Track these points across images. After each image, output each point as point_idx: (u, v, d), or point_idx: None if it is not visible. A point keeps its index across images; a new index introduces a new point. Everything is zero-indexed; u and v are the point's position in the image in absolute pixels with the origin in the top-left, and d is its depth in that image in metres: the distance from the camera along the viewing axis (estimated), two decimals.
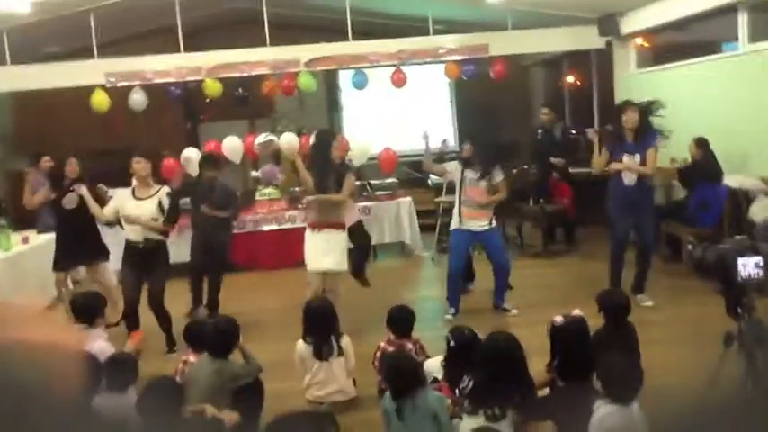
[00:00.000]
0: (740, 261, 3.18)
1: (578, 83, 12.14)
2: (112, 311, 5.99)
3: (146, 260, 5.48)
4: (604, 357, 3.28)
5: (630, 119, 5.84)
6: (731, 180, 7.10)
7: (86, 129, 9.92)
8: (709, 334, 5.03)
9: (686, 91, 8.35)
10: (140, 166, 5.46)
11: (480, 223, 5.91)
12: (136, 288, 5.55)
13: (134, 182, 5.63)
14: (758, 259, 3.17)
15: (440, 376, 3.86)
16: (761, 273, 3.17)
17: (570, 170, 8.76)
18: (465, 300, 6.24)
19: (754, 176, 6.98)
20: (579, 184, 8.70)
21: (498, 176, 5.93)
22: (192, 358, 4.08)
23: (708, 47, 8.54)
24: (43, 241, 7.69)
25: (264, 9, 9.13)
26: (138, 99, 8.92)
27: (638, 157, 5.88)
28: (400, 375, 3.38)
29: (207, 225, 6.43)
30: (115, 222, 5.63)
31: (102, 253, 6.29)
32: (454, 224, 6.03)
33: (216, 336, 3.95)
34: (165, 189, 5.61)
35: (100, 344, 3.95)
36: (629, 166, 5.88)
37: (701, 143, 7.19)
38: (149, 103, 9.04)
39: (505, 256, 6.11)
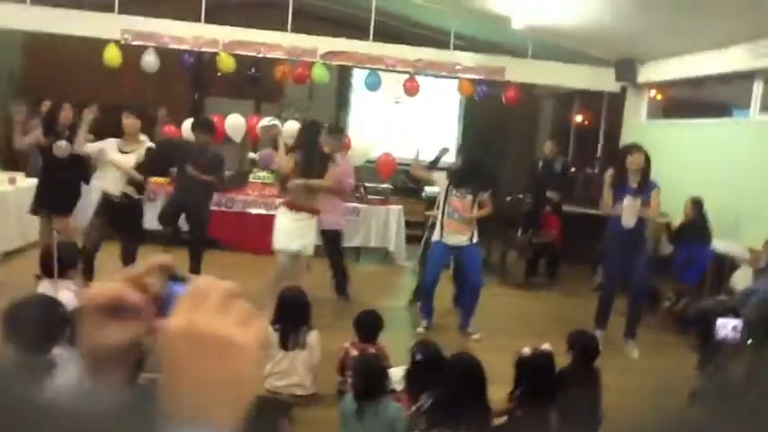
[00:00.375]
0: (719, 321, 3.19)
1: (586, 122, 12.20)
2: None
3: (119, 215, 5.52)
4: (566, 395, 3.28)
5: (636, 161, 5.85)
6: (720, 244, 7.13)
7: (93, 82, 9.83)
8: (673, 387, 5.10)
9: (691, 148, 8.40)
10: (129, 122, 5.56)
11: (462, 237, 5.90)
12: (99, 241, 5.59)
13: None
14: (737, 322, 3.18)
15: (399, 387, 3.85)
16: (737, 336, 3.18)
17: (563, 206, 8.78)
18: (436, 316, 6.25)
19: (742, 245, 7.01)
20: (570, 219, 8.73)
21: (485, 193, 5.94)
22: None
23: (719, 109, 8.61)
24: (30, 184, 7.62)
25: None
26: (150, 60, 8.87)
27: (639, 201, 5.90)
28: (368, 377, 3.36)
29: (189, 188, 6.40)
30: (91, 166, 5.65)
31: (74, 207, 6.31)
32: (435, 236, 6.02)
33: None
34: (148, 144, 5.67)
35: (67, 295, 3.90)
36: (634, 207, 5.88)
37: (697, 203, 7.23)
38: (160, 66, 9.00)
39: (480, 276, 6.06)
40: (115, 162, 5.51)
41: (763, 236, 6.54)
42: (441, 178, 6.00)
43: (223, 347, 0.59)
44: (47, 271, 3.96)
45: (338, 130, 6.94)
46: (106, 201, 5.56)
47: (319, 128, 6.04)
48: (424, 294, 6.09)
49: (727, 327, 3.17)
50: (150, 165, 5.68)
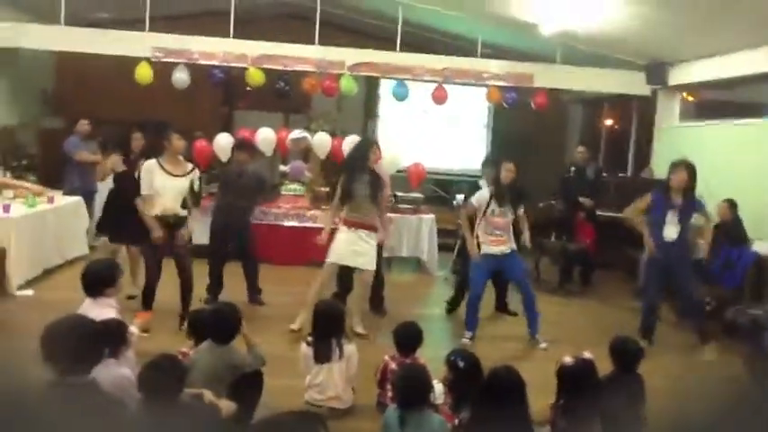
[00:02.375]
0: None
1: (616, 126, 12.08)
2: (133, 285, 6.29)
3: (172, 233, 5.59)
4: (609, 403, 3.23)
5: (678, 179, 5.80)
6: (759, 246, 7.00)
7: (125, 100, 10.01)
8: (716, 394, 4.98)
9: (725, 150, 8.26)
10: (182, 143, 5.59)
11: (501, 248, 5.89)
12: (160, 264, 5.66)
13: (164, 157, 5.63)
14: None
15: (440, 401, 3.82)
16: None
17: (597, 212, 8.69)
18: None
19: None
20: (603, 226, 8.63)
21: (521, 208, 5.98)
22: (190, 352, 4.01)
23: (752, 109, 8.46)
24: (68, 203, 7.78)
25: (318, 7, 9.19)
26: (181, 77, 8.99)
27: (681, 217, 5.85)
28: (412, 388, 3.34)
29: (232, 208, 6.55)
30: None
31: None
32: (474, 256, 6.01)
33: (218, 322, 3.93)
34: (197, 171, 5.74)
35: (107, 312, 3.94)
36: (674, 223, 5.88)
37: (732, 205, 7.11)
38: (191, 82, 9.12)
39: (528, 285, 6.07)
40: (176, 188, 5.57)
41: None
42: (482, 197, 5.96)
43: None
44: (89, 289, 4.01)
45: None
46: (159, 223, 5.58)
47: (369, 146, 6.11)
48: (469, 306, 6.05)
49: None
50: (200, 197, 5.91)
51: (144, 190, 5.55)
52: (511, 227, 5.97)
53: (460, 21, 9.55)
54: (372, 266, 5.91)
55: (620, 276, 8.85)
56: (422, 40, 10.58)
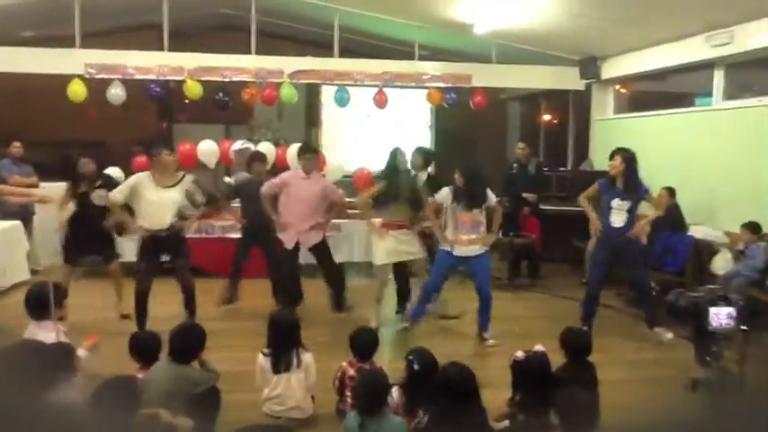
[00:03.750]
0: (712, 310, 3.24)
1: (554, 121, 12.36)
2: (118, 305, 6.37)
3: (169, 247, 5.60)
4: (564, 394, 3.30)
5: (613, 164, 6.01)
6: (696, 231, 7.26)
7: (59, 117, 9.74)
8: (668, 378, 5.17)
9: (659, 139, 8.54)
10: (172, 158, 5.71)
11: (473, 248, 5.95)
12: (151, 280, 5.66)
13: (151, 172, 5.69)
14: (730, 310, 3.23)
15: (393, 403, 3.84)
16: (732, 323, 3.23)
17: (541, 206, 8.87)
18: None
19: (718, 229, 7.15)
20: (548, 219, 8.82)
21: (492, 199, 6.03)
22: (140, 375, 3.93)
23: (683, 99, 8.78)
24: (4, 227, 7.55)
25: (253, 17, 9.13)
26: (116, 93, 8.81)
27: (626, 204, 5.99)
28: (372, 392, 3.36)
29: (258, 222, 6.65)
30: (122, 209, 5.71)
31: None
32: (443, 245, 6.06)
33: (183, 341, 3.87)
34: (190, 177, 5.77)
35: (52, 336, 3.83)
36: (621, 210, 6.02)
37: (671, 192, 7.37)
38: (127, 98, 8.93)
39: (489, 288, 6.09)
40: (164, 200, 5.58)
41: (738, 219, 6.68)
42: (445, 195, 6.02)
43: None
44: (33, 313, 3.90)
45: (311, 149, 6.92)
46: (150, 238, 5.57)
47: (395, 153, 6.47)
48: (422, 294, 6.13)
49: (720, 314, 3.22)
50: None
51: (116, 193, 5.64)
52: (482, 224, 5.99)
53: (397, 25, 9.63)
54: (422, 254, 6.40)
55: (566, 268, 9.04)
56: (360, 45, 10.63)
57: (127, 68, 8.89)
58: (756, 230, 6.48)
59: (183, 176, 5.71)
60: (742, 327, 3.29)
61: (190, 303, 5.81)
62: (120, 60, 8.89)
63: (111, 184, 6.27)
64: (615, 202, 5.99)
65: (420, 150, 6.96)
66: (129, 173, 7.75)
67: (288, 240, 6.46)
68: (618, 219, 6.01)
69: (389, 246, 6.26)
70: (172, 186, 5.60)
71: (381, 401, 3.36)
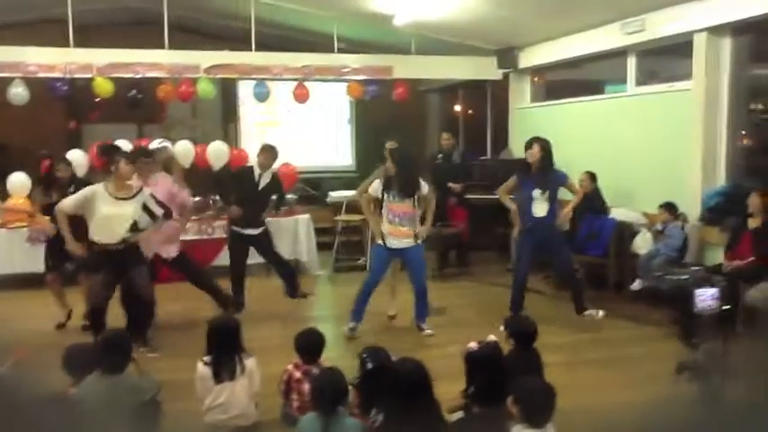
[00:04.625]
0: (698, 292, 3.29)
1: (472, 111, 12.53)
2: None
3: (124, 260, 5.30)
4: (519, 381, 3.30)
5: (531, 153, 6.09)
6: (616, 213, 7.50)
7: None
8: (612, 358, 5.30)
9: (576, 126, 8.78)
10: (129, 168, 5.32)
11: (405, 240, 5.88)
12: (109, 294, 5.38)
13: (106, 182, 5.34)
14: (714, 291, 3.30)
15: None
16: (715, 304, 3.29)
17: (466, 195, 8.95)
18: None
19: (637, 211, 7.42)
20: (473, 208, 8.91)
21: (425, 188, 5.92)
22: (72, 390, 3.67)
23: (598, 86, 9.04)
24: None
25: (165, 11, 8.77)
26: (18, 93, 8.27)
27: (546, 193, 6.07)
28: (333, 393, 3.25)
29: (250, 219, 6.63)
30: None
31: None
32: (377, 240, 5.98)
33: (110, 350, 3.66)
34: (147, 190, 5.44)
35: None
36: (541, 199, 6.10)
37: (592, 177, 7.58)
38: (31, 97, 8.40)
39: (424, 278, 6.04)
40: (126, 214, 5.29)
41: (655, 200, 6.95)
42: (375, 186, 5.92)
43: None
44: None
45: (145, 152, 6.43)
46: (104, 252, 5.25)
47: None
48: (360, 296, 5.98)
49: (705, 296, 3.29)
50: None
51: (66, 203, 5.33)
52: (415, 215, 5.89)
53: (316, 17, 9.48)
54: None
55: (492, 256, 9.18)
56: (278, 38, 10.41)
57: (28, 66, 8.35)
58: (673, 210, 6.75)
59: (141, 189, 5.39)
60: (724, 307, 3.37)
61: (142, 319, 5.56)
62: (21, 57, 8.34)
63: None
64: (536, 193, 6.05)
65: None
66: (35, 178, 7.32)
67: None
68: (540, 209, 6.08)
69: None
70: (128, 199, 5.29)
71: (341, 402, 3.27)
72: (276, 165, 8.96)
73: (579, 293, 6.27)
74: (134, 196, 5.33)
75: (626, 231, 7.22)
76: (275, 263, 6.92)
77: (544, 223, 6.10)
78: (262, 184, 6.74)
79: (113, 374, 3.57)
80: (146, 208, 5.34)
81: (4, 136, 9.93)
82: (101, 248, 5.26)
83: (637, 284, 6.80)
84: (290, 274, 6.92)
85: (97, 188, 5.33)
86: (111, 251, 5.25)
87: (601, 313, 6.12)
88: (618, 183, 7.80)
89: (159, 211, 5.45)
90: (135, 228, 5.30)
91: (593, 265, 7.33)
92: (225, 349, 4.00)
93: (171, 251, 6.20)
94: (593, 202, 7.46)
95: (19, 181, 7.86)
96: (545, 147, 6.13)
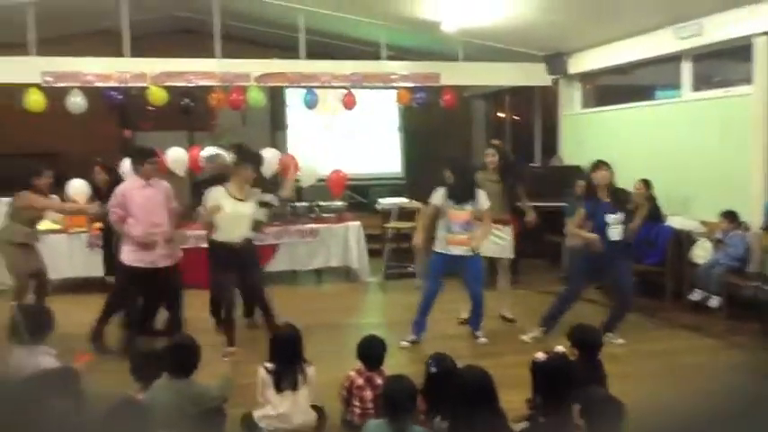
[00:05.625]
0: None
1: (519, 117, 12.43)
2: None
3: (242, 259, 5.54)
4: (586, 393, 3.24)
5: (600, 176, 5.79)
6: (673, 221, 7.35)
7: (18, 130, 9.36)
8: (673, 368, 5.18)
9: (628, 132, 8.64)
10: (249, 172, 5.60)
11: (463, 248, 5.83)
12: (232, 289, 5.65)
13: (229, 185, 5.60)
14: None
15: None
16: None
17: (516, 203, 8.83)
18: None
19: (694, 219, 7.25)
20: (524, 216, 8.78)
21: (485, 203, 5.88)
22: (140, 395, 3.71)
23: (650, 92, 8.88)
24: None
25: (216, 21, 8.90)
26: (76, 102, 8.47)
27: (619, 215, 5.77)
28: (403, 399, 3.23)
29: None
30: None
31: None
32: (437, 247, 5.92)
33: (177, 354, 3.71)
34: (258, 190, 5.78)
35: (47, 360, 3.63)
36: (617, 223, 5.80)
37: (648, 184, 7.43)
38: (88, 106, 8.60)
39: (481, 287, 5.99)
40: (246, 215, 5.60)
41: (712, 208, 6.79)
42: (439, 196, 5.89)
43: None
44: (23, 339, 3.66)
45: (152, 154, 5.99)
46: (225, 249, 5.54)
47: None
48: (421, 306, 5.93)
49: None
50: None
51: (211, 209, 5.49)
52: (472, 223, 5.85)
53: (364, 25, 9.52)
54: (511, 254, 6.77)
55: (543, 264, 9.07)
56: (326, 46, 10.48)
57: (86, 76, 8.54)
58: (734, 219, 6.59)
59: (255, 191, 5.72)
60: None
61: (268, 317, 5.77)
62: (79, 67, 8.54)
63: None
64: (610, 218, 5.73)
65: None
66: (92, 184, 7.49)
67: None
68: (615, 232, 5.75)
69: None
70: (247, 201, 5.61)
71: (411, 409, 3.25)
72: (326, 172, 9.08)
73: (621, 318, 5.98)
74: (250, 197, 5.64)
75: (684, 240, 7.06)
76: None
77: (618, 246, 5.80)
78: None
79: (180, 378, 3.61)
80: (260, 203, 5.66)
81: (61, 144, 10.18)
82: (222, 246, 5.55)
83: (697, 294, 6.63)
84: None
85: (221, 190, 5.58)
86: (234, 249, 5.50)
87: (620, 341, 5.89)
88: (672, 190, 7.64)
89: (269, 197, 5.87)
90: (257, 226, 5.67)
91: (650, 273, 7.18)
92: (288, 359, 4.01)
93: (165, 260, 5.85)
94: (649, 210, 7.30)
95: (78, 187, 8.04)
96: (611, 170, 5.86)
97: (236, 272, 5.59)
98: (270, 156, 8.88)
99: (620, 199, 5.86)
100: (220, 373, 4.09)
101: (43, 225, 6.75)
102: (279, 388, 3.94)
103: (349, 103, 9.50)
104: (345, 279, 8.56)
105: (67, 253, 7.89)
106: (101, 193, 6.49)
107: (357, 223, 8.57)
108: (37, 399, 2.76)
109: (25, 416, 2.69)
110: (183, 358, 3.67)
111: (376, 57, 9.60)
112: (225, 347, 5.57)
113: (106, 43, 9.03)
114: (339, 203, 8.90)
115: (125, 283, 5.72)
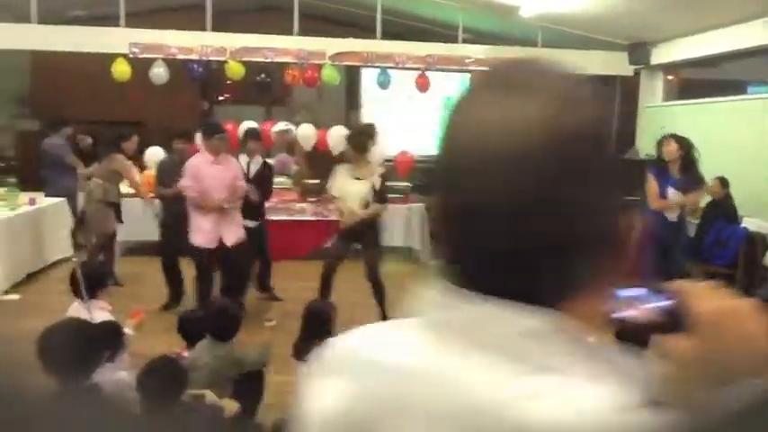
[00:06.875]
0: None
1: None
2: None
3: (356, 236, 5.59)
4: None
5: (667, 150, 5.65)
6: (749, 222, 7.02)
7: (101, 98, 9.82)
8: None
9: (710, 128, 8.25)
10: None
11: None
12: (336, 263, 5.67)
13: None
14: None
15: None
16: None
17: None
18: None
19: None
20: None
21: None
22: (185, 353, 3.88)
23: (736, 87, 8.47)
24: (50, 204, 7.62)
25: None
26: (159, 73, 8.81)
27: (678, 193, 5.63)
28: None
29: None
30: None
31: None
32: None
33: (219, 319, 3.85)
34: (380, 170, 5.69)
35: (102, 315, 3.84)
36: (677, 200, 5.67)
37: (724, 182, 7.12)
38: (169, 78, 8.94)
39: None
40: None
41: None
42: None
43: (744, 312, 0.67)
44: (80, 292, 3.89)
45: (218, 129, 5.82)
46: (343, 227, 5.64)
47: None
48: None
49: None
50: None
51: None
52: None
53: (441, 7, 9.46)
54: None
55: None
56: (403, 27, 10.48)
57: (170, 48, 8.87)
58: None
59: (375, 171, 5.64)
60: None
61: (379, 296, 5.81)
62: (164, 40, 8.88)
63: None
64: (671, 192, 5.68)
65: None
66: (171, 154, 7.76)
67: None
68: (673, 212, 5.67)
69: None
70: (364, 180, 5.55)
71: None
72: (393, 152, 9.11)
73: None
74: (370, 177, 5.54)
75: (759, 243, 6.74)
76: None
77: (674, 227, 5.68)
78: (252, 173, 6.20)
79: (221, 342, 3.74)
80: (373, 188, 5.53)
81: (143, 114, 10.62)
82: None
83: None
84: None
85: (340, 167, 5.69)
86: (347, 227, 5.56)
87: None
88: (752, 191, 7.27)
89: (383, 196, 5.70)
90: (367, 206, 5.56)
91: (719, 275, 6.89)
92: (315, 333, 4.04)
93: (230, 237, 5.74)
94: (723, 209, 7.02)
95: (156, 155, 8.37)
96: (684, 144, 5.72)
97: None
98: (340, 134, 9.00)
99: (690, 178, 5.62)
100: (261, 339, 4.19)
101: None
102: (298, 358, 4.01)
103: (422, 85, 9.48)
104: (407, 259, 8.59)
105: (141, 217, 8.23)
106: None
107: (420, 204, 8.58)
108: (81, 348, 2.94)
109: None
110: (225, 324, 3.79)
111: (452, 39, 9.53)
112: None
113: (190, 18, 9.33)
114: (405, 184, 8.92)
115: (202, 266, 5.53)
